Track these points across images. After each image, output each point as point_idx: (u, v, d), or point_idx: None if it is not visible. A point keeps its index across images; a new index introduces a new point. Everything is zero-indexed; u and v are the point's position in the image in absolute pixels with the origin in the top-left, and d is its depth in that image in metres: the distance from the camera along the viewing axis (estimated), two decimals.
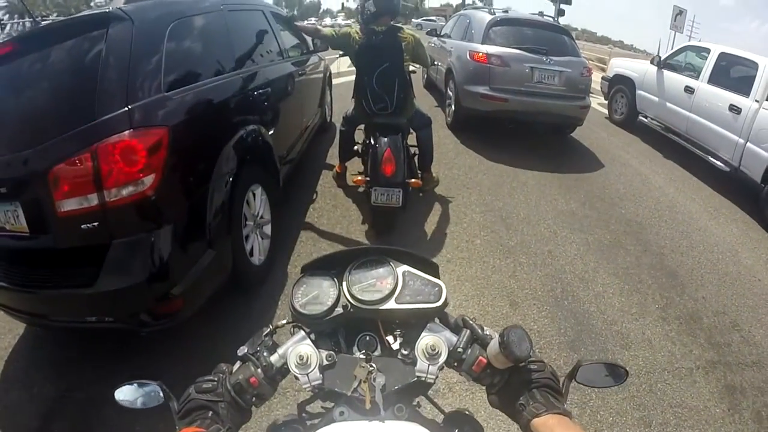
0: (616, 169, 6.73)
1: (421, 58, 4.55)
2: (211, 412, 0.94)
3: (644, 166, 7.07)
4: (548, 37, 7.21)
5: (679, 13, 18.55)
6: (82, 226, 2.29)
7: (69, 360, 3.06)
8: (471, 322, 1.06)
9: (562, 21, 21.57)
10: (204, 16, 3.36)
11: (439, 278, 1.10)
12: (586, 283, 3.92)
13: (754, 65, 6.17)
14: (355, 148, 4.82)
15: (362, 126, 4.63)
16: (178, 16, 2.96)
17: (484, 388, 1.03)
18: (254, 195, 3.41)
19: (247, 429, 1.01)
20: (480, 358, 1.00)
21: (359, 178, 4.23)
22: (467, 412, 1.13)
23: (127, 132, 2.28)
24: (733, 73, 6.66)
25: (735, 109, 6.16)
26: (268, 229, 3.69)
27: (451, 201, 5.14)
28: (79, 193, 2.25)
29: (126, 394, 1.05)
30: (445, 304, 1.06)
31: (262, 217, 3.56)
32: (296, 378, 0.99)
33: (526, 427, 0.91)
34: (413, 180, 4.22)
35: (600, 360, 1.03)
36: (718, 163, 6.41)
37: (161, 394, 1.03)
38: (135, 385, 1.06)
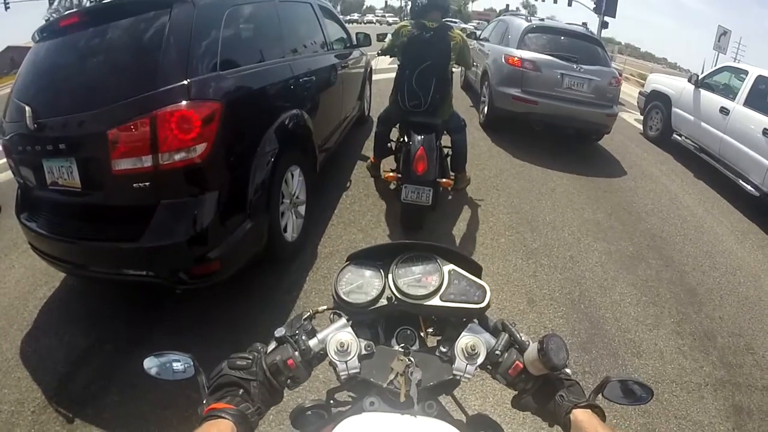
0: (645, 185, 6.71)
1: (465, 59, 4.51)
2: (242, 390, 0.94)
3: (674, 184, 7.04)
4: (580, 46, 7.39)
5: (723, 33, 18.25)
6: (134, 185, 2.49)
7: (101, 315, 3.25)
8: (510, 327, 1.07)
9: (606, 34, 21.44)
10: (257, 4, 3.59)
11: (482, 280, 1.12)
12: (604, 291, 3.97)
13: None
14: (389, 145, 4.82)
15: (398, 125, 4.62)
16: (234, 2, 3.17)
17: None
18: (292, 176, 3.58)
19: (270, 410, 1.02)
20: (516, 362, 1.01)
21: (391, 174, 4.21)
22: (490, 416, 1.14)
23: (184, 102, 2.48)
24: None
25: None
26: (302, 209, 3.85)
27: (480, 201, 5.22)
28: (135, 154, 2.45)
29: (155, 363, 1.05)
30: (488, 306, 1.07)
31: (297, 197, 3.72)
32: (333, 365, 1.00)
33: (564, 417, 0.93)
34: (444, 180, 4.18)
35: (627, 377, 1.04)
36: (748, 186, 6.32)
37: (191, 368, 1.03)
38: (165, 355, 1.05)
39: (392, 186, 4.44)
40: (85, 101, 2.61)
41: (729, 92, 7.31)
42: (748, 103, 6.76)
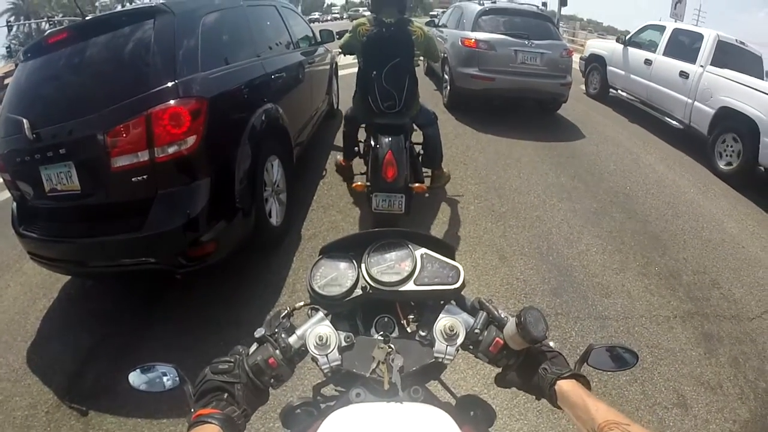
0: (607, 148, 7.04)
1: (432, 53, 4.24)
2: (226, 394, 0.93)
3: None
4: (531, 24, 7.92)
5: (678, 0, 18.64)
6: (133, 179, 2.73)
7: (103, 313, 3.39)
8: (487, 304, 1.07)
9: (566, 11, 21.65)
10: (228, 10, 3.90)
11: (455, 260, 1.12)
12: (571, 243, 4.21)
13: (701, 37, 7.34)
14: (356, 148, 4.59)
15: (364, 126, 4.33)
16: (208, 10, 3.50)
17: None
18: (272, 165, 3.82)
19: (260, 411, 1.03)
20: (497, 339, 1.01)
21: (359, 183, 3.91)
22: (480, 396, 1.16)
23: (175, 100, 2.76)
24: (684, 45, 7.70)
25: (684, 75, 7.25)
26: (284, 197, 4.09)
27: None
28: (133, 150, 2.70)
29: (140, 378, 1.05)
30: (463, 285, 1.07)
31: (278, 186, 3.96)
32: (315, 359, 1.00)
33: (549, 389, 0.94)
34: (417, 184, 3.84)
35: (611, 343, 1.05)
36: (674, 122, 7.56)
37: (177, 378, 1.03)
38: (149, 368, 1.05)
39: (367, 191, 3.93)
40: (82, 108, 2.83)
41: (652, 46, 8.38)
42: (666, 52, 7.90)
